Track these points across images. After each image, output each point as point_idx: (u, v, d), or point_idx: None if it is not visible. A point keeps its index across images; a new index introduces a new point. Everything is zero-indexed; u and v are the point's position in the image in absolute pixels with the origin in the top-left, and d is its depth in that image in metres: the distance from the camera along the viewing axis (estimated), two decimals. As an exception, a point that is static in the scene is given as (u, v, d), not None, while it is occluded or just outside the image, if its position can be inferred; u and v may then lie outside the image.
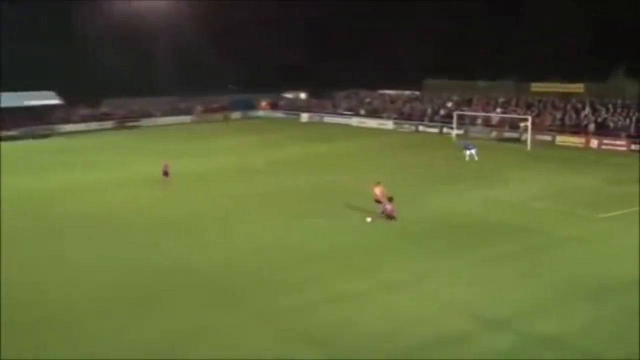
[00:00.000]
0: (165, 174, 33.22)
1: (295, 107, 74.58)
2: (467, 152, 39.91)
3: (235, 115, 72.68)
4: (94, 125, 63.36)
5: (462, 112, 55.18)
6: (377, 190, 25.12)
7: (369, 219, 22.99)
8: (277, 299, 17.11)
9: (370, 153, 44.36)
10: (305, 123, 68.54)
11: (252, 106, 76.04)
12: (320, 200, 29.00)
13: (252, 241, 22.50)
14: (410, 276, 18.64)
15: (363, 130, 60.04)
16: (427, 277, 18.61)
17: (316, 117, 69.32)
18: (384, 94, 69.66)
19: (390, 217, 24.01)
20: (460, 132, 52.79)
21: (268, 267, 19.64)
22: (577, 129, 48.27)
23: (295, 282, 18.26)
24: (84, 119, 64.16)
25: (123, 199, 29.68)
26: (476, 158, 39.55)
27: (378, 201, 24.80)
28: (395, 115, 62.23)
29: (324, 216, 25.81)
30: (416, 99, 65.21)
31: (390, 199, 24.22)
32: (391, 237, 22.67)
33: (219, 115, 71.55)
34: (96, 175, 36.02)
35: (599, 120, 47.89)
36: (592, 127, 47.54)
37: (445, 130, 55.23)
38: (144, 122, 66.55)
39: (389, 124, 61.06)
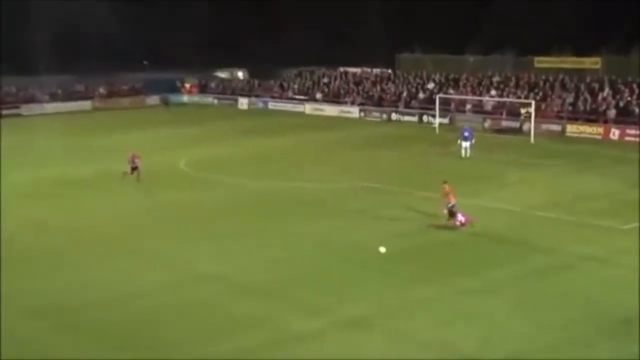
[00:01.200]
0: (133, 168, 33.83)
1: (231, 90, 74.16)
2: (464, 145, 39.96)
3: (152, 100, 71.79)
4: (-50, 114, 61.27)
5: (446, 96, 55.62)
6: (448, 189, 26.07)
7: (382, 249, 22.66)
8: (211, 345, 16.62)
9: (329, 150, 44.19)
10: (245, 111, 68.18)
11: (174, 89, 75.30)
12: (262, 215, 28.64)
13: (171, 272, 21.95)
14: (378, 311, 18.43)
15: (320, 119, 59.94)
16: (400, 311, 18.41)
17: (259, 103, 69.05)
18: (346, 73, 69.77)
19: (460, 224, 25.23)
20: (445, 120, 53.22)
21: (196, 305, 19.15)
22: (594, 116, 49.24)
23: (234, 323, 17.84)
24: None
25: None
26: (469, 154, 39.80)
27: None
28: (362, 100, 62.44)
29: (267, 237, 25.48)
30: (388, 78, 65.52)
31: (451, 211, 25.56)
32: (354, 262, 22.46)
33: (127, 101, 70.57)
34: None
35: (621, 104, 48.95)
36: (612, 113, 48.55)
37: (425, 118, 55.64)
38: (26, 109, 64.92)
39: (353, 112, 61.22)
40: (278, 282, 20.67)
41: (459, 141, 40.41)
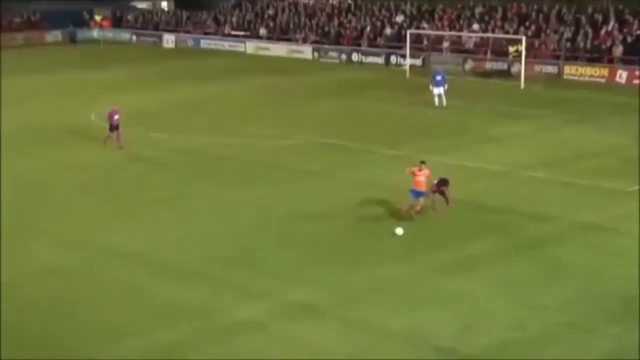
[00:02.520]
0: (112, 127, 32.25)
1: (154, 25, 73.23)
2: (436, 91, 40.07)
3: (53, 36, 70.84)
4: None
5: (419, 31, 55.53)
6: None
7: (399, 231, 22.02)
8: (127, 339, 16.40)
9: (275, 99, 44.03)
10: (171, 50, 67.69)
11: (82, 22, 74.23)
12: (192, 179, 28.40)
13: (77, 250, 21.71)
14: (334, 295, 18.40)
15: (264, 61, 59.65)
16: (360, 295, 18.39)
17: (188, 41, 68.60)
18: (296, 4, 69.27)
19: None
20: (417, 62, 53.22)
21: (108, 291, 18.93)
22: (597, 55, 49.62)
23: (156, 312, 17.68)
24: None
25: None
26: (444, 102, 39.92)
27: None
28: (316, 38, 62.10)
29: (197, 206, 25.29)
30: (348, 10, 65.18)
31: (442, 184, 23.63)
32: (304, 237, 22.33)
33: (21, 36, 69.34)
34: None
35: (630, 39, 49.39)
36: (618, 50, 48.99)
37: (393, 59, 55.58)
38: None
39: (305, 51, 61.03)
40: (210, 262, 20.48)
41: (430, 87, 40.47)
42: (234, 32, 67.24)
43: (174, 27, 71.63)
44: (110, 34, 73.90)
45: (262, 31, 65.54)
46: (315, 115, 38.95)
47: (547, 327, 16.75)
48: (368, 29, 60.03)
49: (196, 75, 52.16)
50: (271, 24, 66.33)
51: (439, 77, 40.43)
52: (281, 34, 64.53)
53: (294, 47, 62.04)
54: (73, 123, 37.32)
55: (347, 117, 38.73)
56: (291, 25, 64.92)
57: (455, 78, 43.58)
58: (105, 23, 75.09)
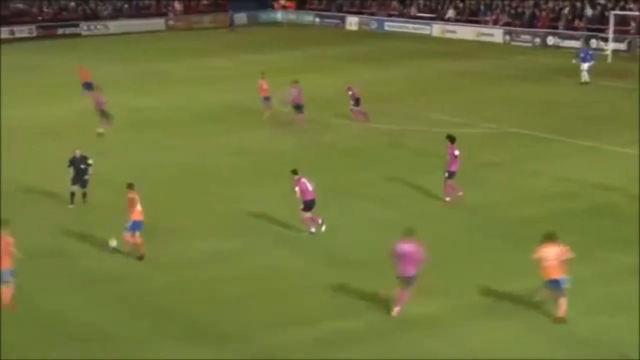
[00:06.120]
0: (103, 113, 32.68)
1: (338, 7, 74.08)
2: (582, 66, 41.98)
3: (237, 18, 72.96)
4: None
5: (624, 13, 53.72)
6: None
7: (113, 243, 21.00)
8: (292, 330, 16.94)
9: (460, 84, 43.92)
10: (354, 32, 68.32)
11: (265, 4, 76.20)
12: (364, 166, 28.75)
13: (244, 234, 22.40)
14: (508, 295, 18.19)
15: (451, 44, 59.34)
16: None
17: (372, 24, 69.05)
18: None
19: None
20: (621, 46, 51.62)
21: (275, 280, 19.51)
22: None
23: (323, 304, 18.17)
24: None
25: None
26: (588, 78, 41.34)
27: None
28: (508, 19, 61.25)
29: (367, 193, 25.64)
30: (544, -10, 63.88)
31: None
32: (482, 231, 22.34)
33: (208, 18, 71.94)
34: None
35: None
36: None
37: (594, 43, 53.99)
38: (86, 28, 67.23)
39: (495, 34, 60.43)
40: (381, 252, 20.52)
41: (574, 60, 43.05)
42: (419, 14, 67.19)
43: (358, 8, 72.22)
44: (293, 16, 75.36)
45: (450, 13, 65.16)
46: (504, 102, 38.59)
47: None
48: (566, 9, 58.57)
49: (378, 59, 52.45)
50: (459, 5, 65.84)
51: (582, 54, 42.75)
52: (470, 16, 63.98)
53: (483, 29, 61.48)
54: (255, 106, 38.22)
55: (538, 104, 38.18)
56: (481, 7, 64.21)
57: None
58: (289, 5, 76.55)
